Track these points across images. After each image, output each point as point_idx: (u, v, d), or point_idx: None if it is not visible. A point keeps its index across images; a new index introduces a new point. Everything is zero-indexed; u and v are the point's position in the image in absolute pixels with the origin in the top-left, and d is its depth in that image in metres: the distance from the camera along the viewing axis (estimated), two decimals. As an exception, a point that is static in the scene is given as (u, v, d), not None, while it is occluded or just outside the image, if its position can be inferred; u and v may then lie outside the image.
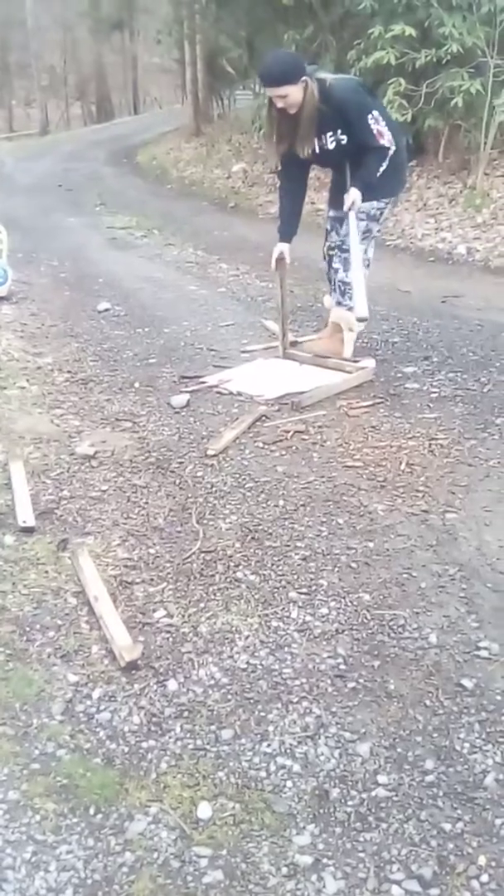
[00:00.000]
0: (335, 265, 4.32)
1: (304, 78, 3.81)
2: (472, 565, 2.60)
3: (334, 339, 4.42)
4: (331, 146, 3.97)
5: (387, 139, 3.89)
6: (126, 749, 1.94)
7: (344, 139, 3.94)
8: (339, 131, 3.93)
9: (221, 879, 1.62)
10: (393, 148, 3.91)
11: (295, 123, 3.92)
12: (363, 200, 4.00)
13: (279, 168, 4.33)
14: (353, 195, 3.93)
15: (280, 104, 3.88)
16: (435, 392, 3.96)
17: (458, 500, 2.98)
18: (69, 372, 4.41)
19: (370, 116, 3.86)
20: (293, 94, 3.82)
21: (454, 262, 6.88)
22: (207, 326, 5.14)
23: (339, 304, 4.37)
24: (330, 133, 3.94)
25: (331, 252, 4.37)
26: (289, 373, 4.29)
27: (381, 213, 4.18)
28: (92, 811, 1.77)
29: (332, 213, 4.34)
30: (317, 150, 3.99)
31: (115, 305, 5.64)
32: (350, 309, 4.23)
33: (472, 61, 7.40)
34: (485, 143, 7.65)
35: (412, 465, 3.24)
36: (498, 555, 2.64)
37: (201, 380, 4.21)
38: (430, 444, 3.39)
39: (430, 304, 4.96)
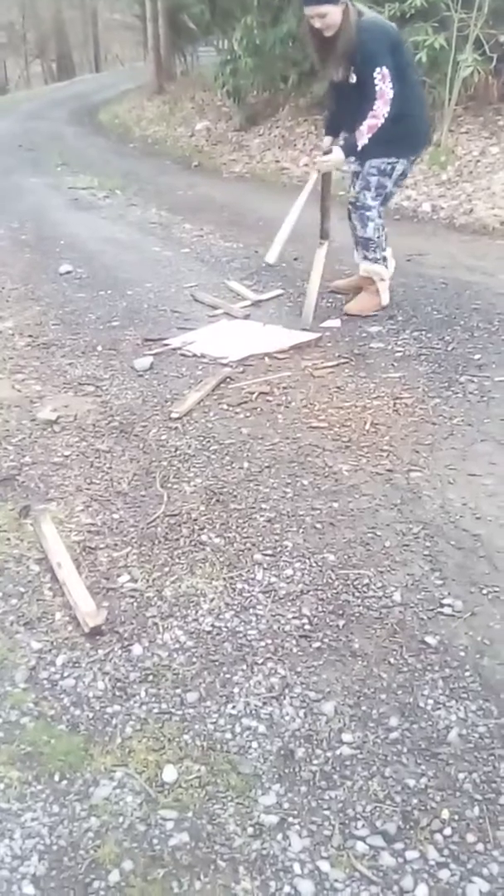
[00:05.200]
0: (353, 221, 4.36)
1: (344, 0, 3.79)
2: (436, 523, 2.60)
3: (367, 296, 4.49)
4: (352, 80, 3.93)
5: (382, 101, 3.81)
6: (91, 715, 1.93)
7: (354, 79, 3.91)
8: (353, 69, 3.90)
9: (187, 841, 1.63)
10: (385, 114, 3.83)
11: (331, 47, 3.89)
12: (373, 156, 4.06)
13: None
14: (333, 155, 4.06)
15: (318, 24, 3.84)
16: (399, 351, 3.95)
17: (422, 458, 2.98)
18: (30, 336, 4.33)
19: (377, 70, 3.78)
20: (332, 14, 3.79)
21: (419, 220, 6.85)
22: (171, 288, 5.08)
23: (364, 258, 4.42)
24: (352, 66, 3.90)
25: (349, 206, 4.43)
26: (252, 334, 4.25)
27: (393, 169, 4.13)
28: (57, 778, 1.77)
29: (352, 167, 4.40)
30: (350, 79, 3.93)
31: (77, 268, 5.55)
32: (376, 261, 4.36)
33: (436, 16, 7.29)
34: (449, 100, 7.57)
35: (377, 424, 3.23)
36: (461, 512, 2.65)
37: (165, 342, 4.17)
38: (394, 404, 3.39)
39: (395, 263, 4.92)
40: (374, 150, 4.04)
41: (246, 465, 2.99)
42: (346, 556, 2.46)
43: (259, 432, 3.22)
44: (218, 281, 5.18)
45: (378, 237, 4.32)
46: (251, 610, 2.25)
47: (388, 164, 4.10)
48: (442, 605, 2.24)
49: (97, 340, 4.25)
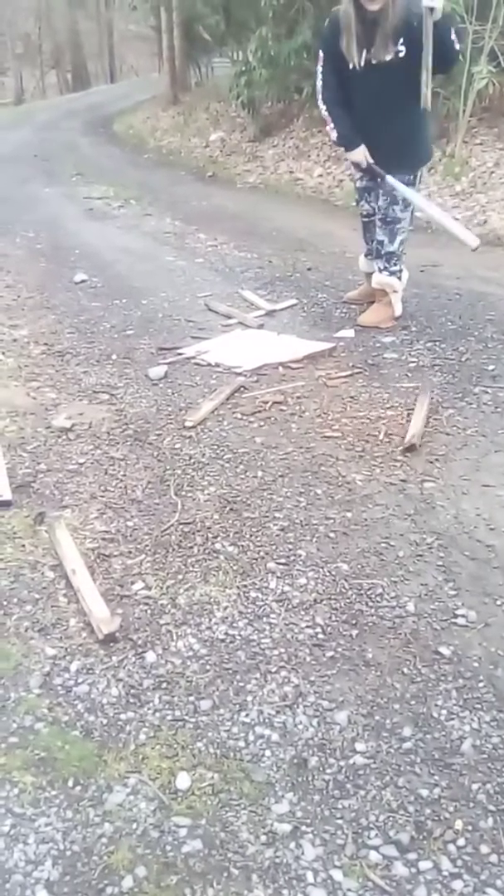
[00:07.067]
0: (379, 237, 4.38)
1: None
2: (450, 534, 2.60)
3: (380, 307, 4.51)
4: (400, 53, 3.83)
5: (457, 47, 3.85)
6: (104, 721, 1.94)
7: (402, 51, 3.82)
8: (401, 41, 3.81)
9: (200, 848, 1.63)
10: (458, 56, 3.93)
11: (374, 23, 3.80)
12: (397, 172, 4.15)
13: (321, 70, 4.24)
14: None
15: None
16: (413, 362, 3.95)
17: (436, 469, 2.98)
18: (45, 344, 4.36)
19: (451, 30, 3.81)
20: None
21: (432, 230, 6.82)
22: (185, 297, 5.10)
23: (381, 270, 4.44)
24: (400, 39, 3.81)
25: (365, 220, 4.51)
26: (266, 343, 4.27)
27: (416, 178, 4.26)
28: (70, 783, 1.77)
29: (359, 184, 4.46)
30: (398, 54, 3.82)
31: (91, 277, 5.58)
32: (392, 274, 4.39)
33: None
34: (464, 111, 7.59)
35: (390, 434, 3.23)
36: (475, 523, 2.65)
37: (179, 351, 4.18)
38: (408, 414, 3.39)
39: (408, 274, 4.93)
40: (399, 164, 4.14)
41: (260, 474, 3.00)
42: (359, 566, 2.46)
43: (273, 441, 3.22)
44: (232, 290, 5.20)
45: (401, 251, 4.37)
46: (264, 618, 2.26)
47: (412, 175, 4.22)
48: (455, 616, 2.24)
49: (112, 349, 4.27)
